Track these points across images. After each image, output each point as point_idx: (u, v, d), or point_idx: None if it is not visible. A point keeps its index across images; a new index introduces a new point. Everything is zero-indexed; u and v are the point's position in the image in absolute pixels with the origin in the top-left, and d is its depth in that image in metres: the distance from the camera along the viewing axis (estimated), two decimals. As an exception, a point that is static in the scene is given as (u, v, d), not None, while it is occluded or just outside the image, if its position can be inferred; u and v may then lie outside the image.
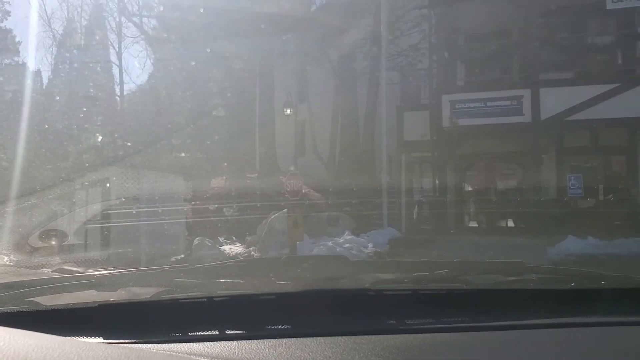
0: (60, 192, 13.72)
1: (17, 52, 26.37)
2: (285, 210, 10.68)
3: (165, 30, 20.38)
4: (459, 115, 13.19)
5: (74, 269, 9.38)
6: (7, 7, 27.28)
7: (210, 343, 1.27)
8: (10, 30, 27.51)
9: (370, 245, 10.81)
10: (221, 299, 1.47)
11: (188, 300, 1.49)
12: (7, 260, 11.70)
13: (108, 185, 12.38)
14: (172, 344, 1.28)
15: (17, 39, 26.20)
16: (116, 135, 20.45)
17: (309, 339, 1.27)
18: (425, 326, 1.39)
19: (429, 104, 14.22)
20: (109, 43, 23.12)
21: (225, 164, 19.08)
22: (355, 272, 2.08)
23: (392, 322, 1.42)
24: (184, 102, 21.12)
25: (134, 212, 11.41)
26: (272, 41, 17.39)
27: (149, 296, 1.55)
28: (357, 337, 1.29)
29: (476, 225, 14.20)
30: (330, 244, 10.19)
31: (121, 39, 22.39)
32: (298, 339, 1.28)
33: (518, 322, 1.41)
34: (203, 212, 14.26)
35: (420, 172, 15.69)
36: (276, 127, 18.63)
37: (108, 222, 11.55)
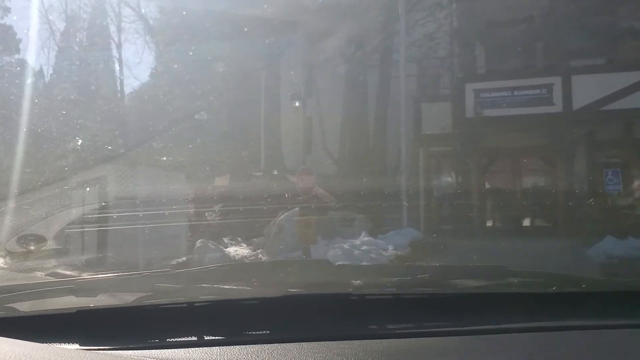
0: (53, 192, 13.06)
1: (18, 50, 25.83)
2: (296, 209, 9.70)
3: (167, 25, 19.61)
4: (483, 106, 12.16)
5: (68, 272, 9.10)
6: (7, 3, 26.77)
7: (189, 349, 1.26)
8: (10, 27, 26.96)
9: (390, 247, 9.77)
10: (201, 304, 1.48)
11: (168, 306, 1.48)
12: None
13: (104, 185, 11.66)
14: (150, 351, 1.27)
15: (17, 36, 25.70)
16: (116, 132, 19.76)
17: (290, 344, 1.26)
18: (407, 330, 1.39)
19: (450, 94, 13.14)
20: (110, 36, 22.27)
21: (229, 161, 18.25)
22: (339, 276, 2.07)
23: (374, 326, 1.42)
24: (186, 97, 20.23)
25: (132, 212, 10.71)
26: (278, 33, 16.67)
27: (129, 302, 1.52)
28: (339, 342, 1.27)
29: (502, 225, 13.07)
30: (346, 246, 9.16)
31: (121, 31, 21.51)
32: (279, 344, 1.26)
33: (499, 326, 1.40)
34: (205, 212, 13.45)
35: (440, 167, 14.59)
36: (282, 123, 17.72)
37: (105, 224, 10.94)
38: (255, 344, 1.26)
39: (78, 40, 23.38)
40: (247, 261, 9.94)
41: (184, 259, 10.88)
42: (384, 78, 14.85)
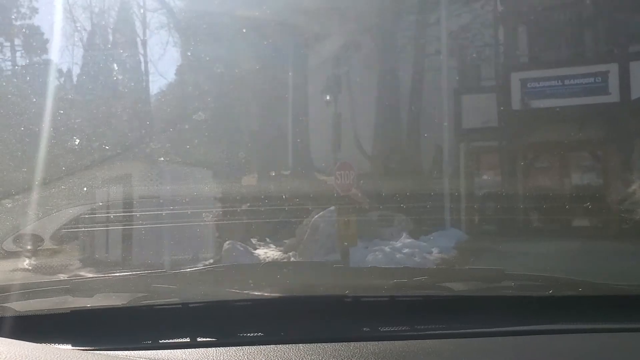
0: (76, 190, 12.69)
1: (45, 50, 25.82)
2: (332, 208, 8.93)
3: (193, 22, 19.16)
4: (531, 96, 11.25)
5: (89, 275, 8.76)
6: (35, 4, 26.74)
7: (183, 350, 1.26)
8: (38, 27, 26.95)
9: (434, 250, 8.95)
10: (196, 305, 1.46)
11: (162, 307, 1.48)
12: (26, 264, 11.23)
13: (129, 183, 11.15)
14: (145, 351, 1.26)
15: (44, 36, 25.68)
16: (142, 131, 19.45)
17: (284, 345, 1.26)
18: (400, 333, 1.39)
19: (495, 85, 12.21)
20: (135, 32, 21.94)
21: (256, 160, 17.67)
22: (336, 278, 2.06)
23: (368, 329, 1.41)
24: (212, 95, 19.74)
25: (157, 212, 10.21)
26: (306, 26, 16.01)
27: (124, 302, 1.51)
28: (333, 344, 1.27)
29: (554, 225, 12.02)
30: (387, 249, 8.37)
31: (147, 27, 21.15)
32: (271, 345, 1.26)
33: (493, 329, 1.39)
34: (233, 212, 12.88)
35: (483, 163, 13.64)
36: (310, 120, 17.00)
37: (129, 224, 10.47)
38: (249, 345, 1.27)
39: (104, 38, 23.18)
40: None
41: (211, 260, 10.40)
42: (419, 70, 13.99)
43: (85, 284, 1.92)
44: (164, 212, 9.90)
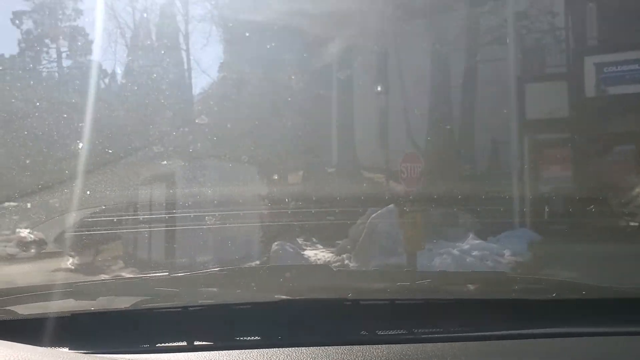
0: (120, 191, 12.38)
1: (90, 51, 25.96)
2: (391, 206, 8.15)
3: (236, 16, 18.75)
4: (608, 82, 10.13)
5: (131, 275, 8.60)
6: (80, 5, 26.93)
7: (183, 354, 1.27)
8: (83, 29, 27.15)
9: (506, 252, 8.04)
10: (196, 308, 1.47)
11: (162, 310, 1.49)
12: (69, 264, 11.10)
13: (173, 183, 10.71)
14: (145, 355, 1.27)
15: (89, 37, 25.83)
16: (185, 129, 19.17)
17: (282, 349, 1.26)
18: (402, 336, 1.37)
19: (565, 71, 11.13)
20: (178, 28, 21.70)
21: (301, 157, 17.04)
22: (339, 281, 2.02)
23: (366, 332, 1.40)
24: (255, 89, 19.24)
25: (202, 212, 9.79)
26: (353, 17, 15.29)
27: (126, 306, 1.49)
28: (331, 347, 1.27)
29: (635, 225, 10.87)
30: (455, 252, 7.52)
31: (188, 22, 20.84)
32: (272, 349, 1.26)
33: (496, 333, 1.38)
34: (279, 212, 12.28)
35: (550, 157, 12.54)
36: (355, 114, 16.24)
37: (173, 225, 10.08)
38: (249, 348, 1.26)
39: (146, 37, 23.08)
40: (333, 267, 8.52)
41: (257, 262, 9.86)
42: (476, 59, 13.03)
43: (88, 287, 1.90)
44: (216, 213, 9.46)
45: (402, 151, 15.92)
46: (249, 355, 1.22)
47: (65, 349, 1.29)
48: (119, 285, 2.05)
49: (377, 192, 12.13)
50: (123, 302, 1.56)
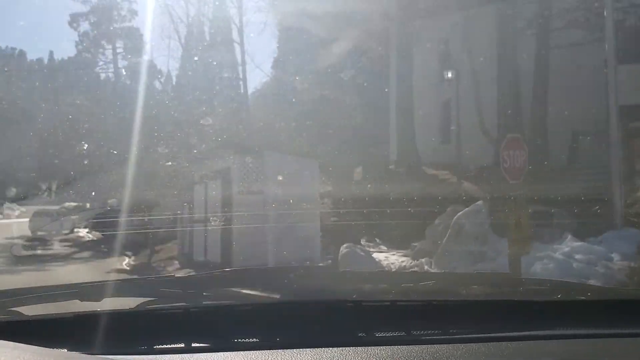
0: (174, 190, 12.03)
1: (145, 52, 26.10)
2: (479, 203, 7.26)
3: (292, 14, 18.22)
4: None
5: (182, 275, 8.00)
6: (134, 6, 27.10)
7: (185, 355, 1.27)
8: (137, 29, 27.31)
9: (614, 256, 6.99)
10: (197, 310, 1.47)
11: (163, 312, 1.49)
12: (125, 264, 11.06)
13: (229, 180, 10.18)
14: (147, 356, 1.27)
15: (144, 37, 25.95)
16: (239, 126, 18.87)
17: (283, 350, 1.24)
18: (403, 338, 1.36)
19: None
20: (231, 25, 21.47)
21: (362, 155, 16.28)
22: (343, 283, 2.02)
23: (366, 334, 1.39)
24: (310, 84, 18.64)
25: (260, 211, 9.23)
26: (415, 3, 14.50)
27: (130, 307, 1.48)
28: (331, 349, 1.25)
29: None
30: (558, 256, 6.54)
31: (242, 14, 20.53)
32: (272, 350, 1.25)
33: (498, 334, 1.36)
34: (341, 212, 11.57)
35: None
36: (415, 108, 15.32)
37: (232, 224, 9.59)
38: (250, 350, 1.26)
39: (200, 37, 23.00)
40: (407, 272, 7.70)
41: (322, 264, 9.21)
42: (540, 45, 11.90)
43: (93, 288, 1.86)
44: (278, 212, 8.88)
45: (458, 146, 14.97)
46: (248, 357, 1.23)
47: (70, 350, 1.30)
48: (124, 286, 2.01)
49: (450, 190, 11.20)
50: (128, 303, 1.54)
